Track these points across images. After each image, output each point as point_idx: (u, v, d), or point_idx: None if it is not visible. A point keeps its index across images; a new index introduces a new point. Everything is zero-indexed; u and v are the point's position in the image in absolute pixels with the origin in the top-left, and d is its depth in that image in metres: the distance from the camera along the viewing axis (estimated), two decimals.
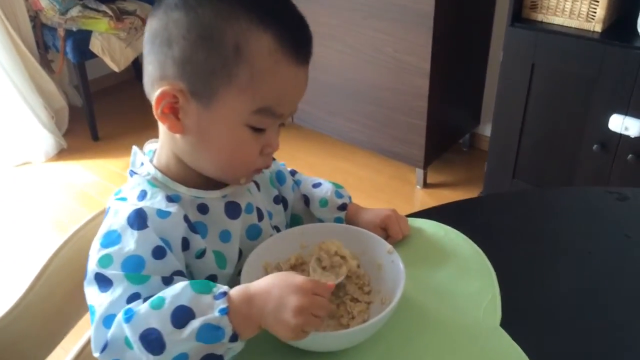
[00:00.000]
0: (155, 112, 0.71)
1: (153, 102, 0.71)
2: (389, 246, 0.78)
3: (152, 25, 0.71)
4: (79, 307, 0.86)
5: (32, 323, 0.76)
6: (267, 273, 0.77)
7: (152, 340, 0.60)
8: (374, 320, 0.67)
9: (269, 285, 0.64)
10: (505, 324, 0.75)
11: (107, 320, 0.63)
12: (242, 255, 0.79)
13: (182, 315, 0.60)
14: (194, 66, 0.68)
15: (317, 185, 0.94)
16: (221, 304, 0.61)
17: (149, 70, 0.72)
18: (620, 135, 1.79)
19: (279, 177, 0.92)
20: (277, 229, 0.87)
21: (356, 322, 0.74)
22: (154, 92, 0.71)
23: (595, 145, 1.87)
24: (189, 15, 0.67)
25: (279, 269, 0.78)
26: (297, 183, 0.95)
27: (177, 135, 0.73)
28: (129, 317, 0.60)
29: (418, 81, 2.18)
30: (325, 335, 0.70)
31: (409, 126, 2.31)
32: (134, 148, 0.80)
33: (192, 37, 0.67)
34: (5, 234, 2.31)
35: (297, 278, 0.65)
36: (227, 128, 0.71)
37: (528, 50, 1.89)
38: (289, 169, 0.96)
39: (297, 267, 0.79)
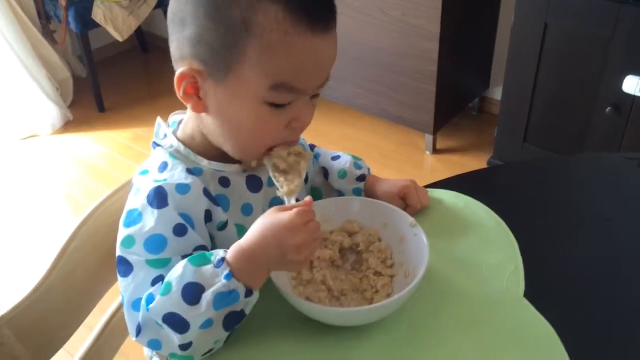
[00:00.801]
0: (178, 93, 0.70)
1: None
2: (411, 219, 0.78)
3: (171, 5, 0.70)
4: (103, 283, 0.87)
5: (56, 301, 0.76)
6: None
7: (175, 322, 0.62)
8: (399, 295, 0.67)
9: (261, 235, 0.65)
10: (529, 294, 0.75)
11: (135, 304, 0.66)
12: None
13: (192, 292, 0.62)
14: (206, 45, 0.67)
15: (335, 158, 0.93)
16: (224, 270, 0.63)
17: (172, 51, 0.72)
18: (634, 97, 1.77)
19: None
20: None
21: (380, 295, 0.74)
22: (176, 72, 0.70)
23: (608, 108, 1.84)
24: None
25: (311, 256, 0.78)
26: (316, 156, 0.94)
27: (203, 114, 0.73)
28: (148, 303, 0.63)
29: (427, 45, 2.14)
30: (350, 310, 0.70)
31: (417, 91, 2.28)
32: (158, 119, 0.81)
33: (201, 15, 0.66)
34: (16, 208, 2.31)
35: (283, 217, 0.65)
36: (245, 105, 0.69)
37: (540, 10, 1.85)
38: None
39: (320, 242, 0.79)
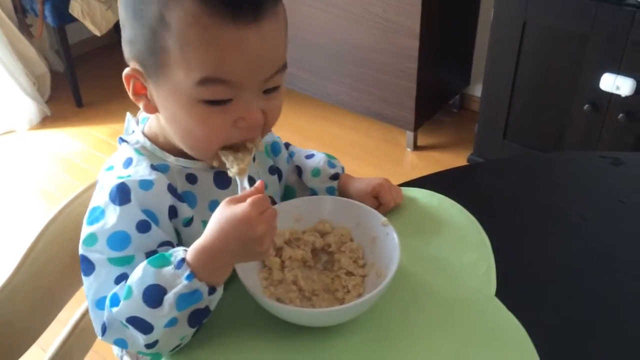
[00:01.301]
0: (129, 92, 0.70)
1: None
2: (383, 218, 0.77)
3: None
4: (71, 285, 0.85)
5: (20, 304, 0.74)
6: None
7: (138, 324, 0.62)
8: (370, 295, 0.67)
9: (220, 230, 0.63)
10: (501, 293, 0.75)
11: (99, 303, 0.65)
12: None
13: (153, 295, 0.62)
14: (137, 45, 0.66)
15: (310, 157, 0.92)
16: (184, 271, 0.62)
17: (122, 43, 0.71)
18: (612, 94, 1.78)
19: (274, 148, 0.90)
20: (272, 200, 0.86)
21: (351, 295, 0.73)
22: None
23: (586, 105, 1.85)
24: None
25: (273, 245, 0.77)
26: (290, 155, 0.93)
27: (157, 114, 0.72)
28: (113, 305, 0.63)
29: (408, 42, 2.14)
30: (321, 311, 0.69)
31: (398, 88, 2.28)
32: (128, 115, 0.79)
33: (129, 16, 0.65)
34: None
35: (238, 210, 0.63)
36: (182, 105, 0.67)
37: (519, 8, 1.85)
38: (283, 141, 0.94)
39: (292, 241, 0.78)
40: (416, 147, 2.46)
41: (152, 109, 0.71)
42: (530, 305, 0.75)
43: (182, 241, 0.74)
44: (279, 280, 0.74)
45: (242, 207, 0.63)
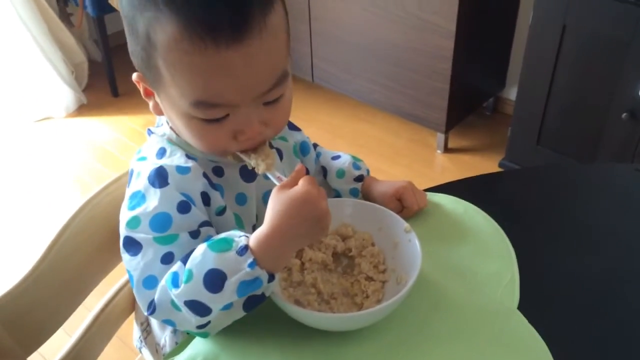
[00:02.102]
0: (141, 94, 0.72)
1: None
2: (406, 224, 0.76)
3: None
4: (96, 272, 0.87)
5: (45, 292, 0.76)
6: None
7: (196, 307, 0.62)
8: (389, 302, 0.66)
9: (286, 216, 0.62)
10: (523, 305, 0.74)
11: (146, 281, 0.66)
12: (258, 221, 0.79)
13: (214, 280, 0.61)
14: (136, 58, 0.67)
15: (336, 158, 0.92)
16: (247, 258, 0.61)
17: None
18: None
19: (303, 148, 0.91)
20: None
21: (370, 301, 0.73)
22: None
23: (624, 114, 1.80)
24: (122, 9, 0.66)
25: None
26: (317, 155, 0.94)
27: None
28: (174, 286, 0.63)
29: (442, 42, 2.11)
30: (338, 316, 0.69)
31: (431, 89, 2.25)
32: None
33: (127, 31, 0.66)
34: (27, 190, 2.33)
35: (297, 191, 0.63)
36: (180, 118, 0.68)
37: (559, 11, 1.81)
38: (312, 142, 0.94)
39: (314, 244, 0.78)
40: (447, 149, 2.43)
41: (158, 110, 0.72)
42: (552, 320, 0.73)
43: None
44: (298, 282, 0.74)
45: (300, 188, 0.63)
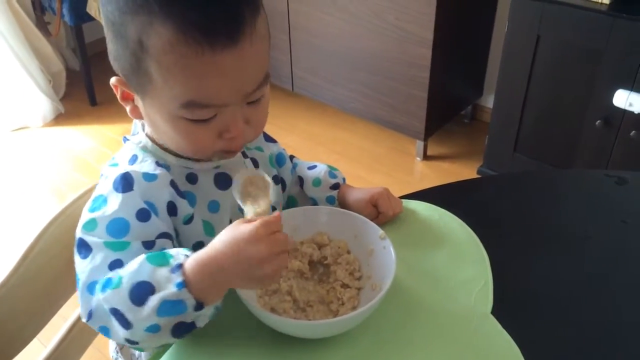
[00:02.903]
0: (117, 96, 0.72)
1: None
2: (381, 231, 0.77)
3: None
4: (70, 283, 0.85)
5: (17, 305, 0.75)
6: None
7: (119, 317, 0.61)
8: (363, 309, 0.67)
9: (222, 249, 0.61)
10: (497, 310, 0.75)
11: (90, 287, 0.64)
12: None
13: (140, 292, 0.60)
14: (120, 62, 0.67)
15: (312, 168, 0.93)
16: (177, 277, 0.60)
17: None
18: (625, 111, 1.76)
19: (279, 159, 0.91)
20: (274, 208, 0.86)
21: (346, 308, 0.73)
22: None
23: (598, 121, 1.84)
24: (104, 11, 0.65)
25: (277, 272, 0.77)
26: (294, 166, 0.94)
27: None
28: (104, 289, 0.61)
29: (420, 51, 2.14)
30: (314, 323, 0.69)
31: (409, 97, 2.27)
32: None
33: (110, 35, 0.66)
34: (3, 200, 2.30)
35: (245, 228, 0.61)
36: (166, 120, 0.68)
37: (534, 22, 1.84)
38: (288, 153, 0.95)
39: (290, 252, 0.78)
40: (426, 157, 2.45)
41: (137, 114, 0.72)
42: (526, 324, 0.74)
43: (180, 241, 0.74)
44: (274, 289, 0.74)
45: (250, 225, 0.62)
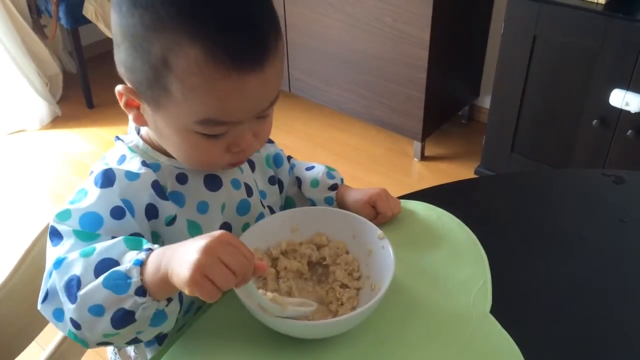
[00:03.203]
0: (120, 104, 0.71)
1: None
2: (379, 231, 0.77)
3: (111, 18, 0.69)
4: None
5: (16, 306, 0.75)
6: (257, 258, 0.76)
7: (71, 287, 0.59)
8: (363, 309, 0.67)
9: (187, 240, 0.59)
10: (496, 310, 0.75)
11: (51, 273, 0.62)
12: (231, 230, 0.79)
13: (106, 267, 0.59)
14: (135, 74, 0.66)
15: (310, 168, 0.93)
16: (140, 255, 0.59)
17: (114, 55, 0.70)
18: (621, 110, 1.77)
19: (276, 160, 0.91)
20: (271, 209, 0.86)
21: (345, 308, 0.73)
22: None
23: (595, 121, 1.84)
24: (122, 22, 0.64)
25: (269, 254, 0.77)
26: (291, 167, 0.94)
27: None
28: (59, 262, 0.60)
29: (417, 52, 2.14)
30: (313, 324, 0.69)
31: (407, 98, 2.28)
32: (130, 117, 0.80)
33: (127, 45, 0.65)
34: (0, 203, 2.30)
35: (217, 231, 0.59)
36: (177, 133, 0.68)
37: (530, 22, 1.85)
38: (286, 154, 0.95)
39: (289, 252, 0.78)
40: (423, 157, 2.46)
41: (142, 122, 0.72)
42: (525, 323, 0.74)
43: (163, 243, 0.74)
44: (273, 290, 0.74)
45: (211, 234, 0.59)
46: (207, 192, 0.76)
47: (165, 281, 0.58)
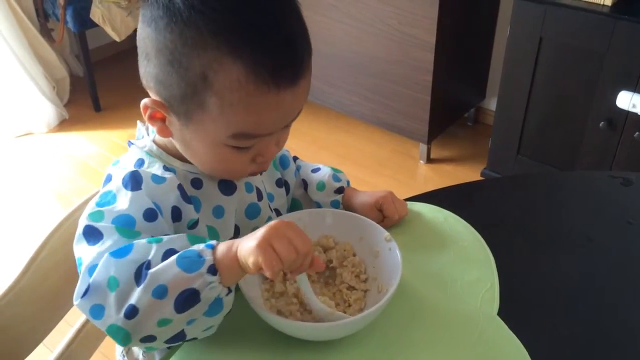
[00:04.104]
0: (144, 117, 0.71)
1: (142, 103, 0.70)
2: (386, 233, 0.77)
3: (138, 29, 0.68)
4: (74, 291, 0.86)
5: (25, 308, 0.75)
6: None
7: (141, 268, 0.59)
8: (370, 311, 0.67)
9: (253, 233, 0.62)
10: (503, 312, 0.75)
11: (92, 269, 0.61)
12: (239, 233, 0.79)
13: (169, 255, 0.60)
14: (168, 88, 0.66)
15: (316, 170, 0.93)
16: (210, 242, 0.62)
17: (140, 70, 0.70)
18: (628, 112, 1.76)
19: (283, 162, 0.91)
20: (278, 212, 0.87)
21: (352, 310, 0.73)
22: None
23: (601, 123, 1.84)
24: (158, 37, 0.64)
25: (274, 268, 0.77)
26: (297, 169, 0.94)
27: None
28: (121, 250, 0.60)
29: (423, 54, 2.14)
30: (321, 326, 0.69)
31: (412, 100, 2.27)
32: (139, 123, 0.81)
33: (162, 60, 0.64)
34: (7, 205, 2.31)
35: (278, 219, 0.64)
36: (207, 146, 0.70)
37: (536, 24, 1.85)
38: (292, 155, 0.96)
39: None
40: (429, 160, 2.46)
41: (167, 133, 0.72)
42: (532, 326, 0.74)
43: None
44: (281, 292, 0.74)
45: (276, 220, 0.64)
46: (222, 196, 0.77)
47: (234, 259, 0.61)
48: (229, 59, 0.61)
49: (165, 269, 0.59)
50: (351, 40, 2.33)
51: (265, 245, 0.59)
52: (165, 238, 0.62)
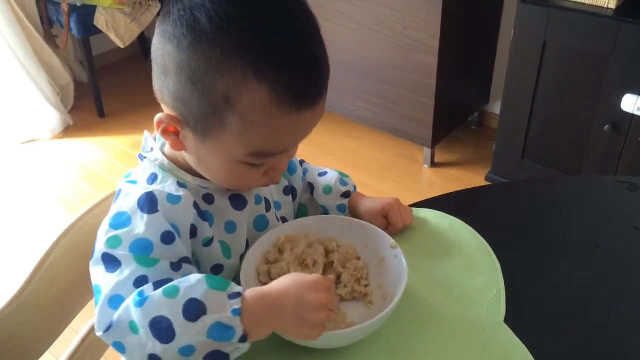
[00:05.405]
0: (157, 131, 0.70)
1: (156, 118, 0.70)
2: (392, 240, 0.77)
3: (154, 40, 0.67)
4: (82, 295, 0.86)
5: (31, 315, 0.75)
6: (267, 263, 0.76)
7: (162, 328, 0.59)
8: (376, 318, 0.67)
9: (285, 286, 0.64)
10: (509, 319, 0.74)
11: (113, 300, 0.62)
12: (248, 246, 0.79)
13: (194, 309, 0.59)
14: (187, 105, 0.65)
15: (323, 174, 0.93)
16: (235, 304, 0.60)
17: (154, 84, 0.69)
18: (633, 115, 1.76)
19: (290, 167, 0.91)
20: (285, 220, 0.86)
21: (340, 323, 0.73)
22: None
23: (606, 126, 1.83)
24: (180, 55, 0.63)
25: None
26: (304, 172, 0.94)
27: None
28: (141, 300, 0.60)
29: (426, 59, 2.14)
30: (326, 334, 0.68)
31: (416, 105, 2.27)
32: (145, 133, 0.80)
33: (182, 78, 0.64)
34: (12, 212, 2.32)
35: (309, 276, 0.66)
36: (222, 162, 0.70)
37: (540, 28, 1.85)
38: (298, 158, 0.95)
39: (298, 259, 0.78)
40: (434, 164, 2.45)
41: (180, 147, 0.71)
42: (539, 332, 0.74)
43: (199, 263, 0.74)
44: None
45: (313, 276, 0.66)
46: (234, 211, 0.77)
47: (269, 331, 0.64)
48: (254, 81, 0.61)
49: (195, 335, 0.59)
50: (355, 45, 2.33)
51: (302, 325, 0.64)
52: (184, 285, 0.61)
